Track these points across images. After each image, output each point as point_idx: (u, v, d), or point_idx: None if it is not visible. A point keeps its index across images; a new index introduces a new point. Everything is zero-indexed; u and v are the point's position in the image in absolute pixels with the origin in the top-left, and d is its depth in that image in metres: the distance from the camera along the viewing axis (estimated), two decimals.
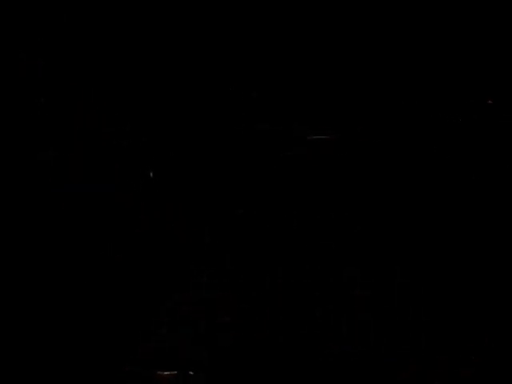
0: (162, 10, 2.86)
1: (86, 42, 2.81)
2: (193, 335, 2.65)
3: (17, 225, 2.75)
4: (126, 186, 2.86)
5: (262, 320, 2.71)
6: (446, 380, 2.54)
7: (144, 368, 2.52)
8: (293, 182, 2.91)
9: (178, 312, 2.70)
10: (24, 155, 2.79)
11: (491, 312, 2.65)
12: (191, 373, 2.50)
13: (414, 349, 2.62)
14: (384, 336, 2.65)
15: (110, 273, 2.75)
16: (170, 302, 2.72)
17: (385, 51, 2.89)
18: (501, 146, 2.83)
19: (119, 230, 2.81)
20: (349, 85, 2.92)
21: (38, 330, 2.60)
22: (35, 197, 2.77)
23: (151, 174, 2.84)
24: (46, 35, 2.76)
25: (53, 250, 2.74)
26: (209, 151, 2.93)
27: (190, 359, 2.55)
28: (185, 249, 2.82)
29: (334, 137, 2.90)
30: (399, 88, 2.90)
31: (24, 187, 2.78)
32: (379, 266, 2.78)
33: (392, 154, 2.89)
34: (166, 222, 2.84)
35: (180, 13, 2.87)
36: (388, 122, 2.91)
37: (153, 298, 2.71)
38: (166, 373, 2.51)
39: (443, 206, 2.83)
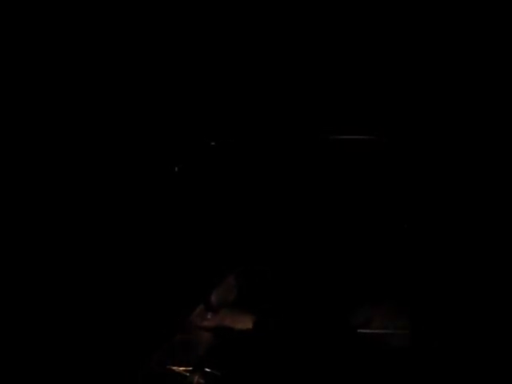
0: (161, 9, 2.85)
1: (86, 42, 2.81)
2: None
3: (16, 225, 2.74)
4: (126, 185, 2.87)
5: (261, 320, 2.73)
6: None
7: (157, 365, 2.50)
8: (296, 181, 2.92)
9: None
10: (24, 155, 2.79)
11: (491, 311, 2.66)
12: (207, 369, 2.47)
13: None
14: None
15: (115, 277, 2.75)
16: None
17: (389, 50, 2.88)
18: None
19: (121, 232, 2.82)
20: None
21: (43, 334, 2.60)
22: (35, 196, 2.77)
23: (176, 169, 2.84)
24: (46, 35, 2.75)
25: (52, 250, 2.74)
26: (208, 151, 2.94)
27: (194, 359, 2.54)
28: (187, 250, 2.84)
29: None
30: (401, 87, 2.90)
31: (24, 187, 2.77)
32: (380, 266, 2.80)
33: (391, 153, 2.90)
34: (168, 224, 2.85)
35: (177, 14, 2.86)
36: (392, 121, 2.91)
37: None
38: (181, 368, 2.48)
39: (444, 206, 2.84)
